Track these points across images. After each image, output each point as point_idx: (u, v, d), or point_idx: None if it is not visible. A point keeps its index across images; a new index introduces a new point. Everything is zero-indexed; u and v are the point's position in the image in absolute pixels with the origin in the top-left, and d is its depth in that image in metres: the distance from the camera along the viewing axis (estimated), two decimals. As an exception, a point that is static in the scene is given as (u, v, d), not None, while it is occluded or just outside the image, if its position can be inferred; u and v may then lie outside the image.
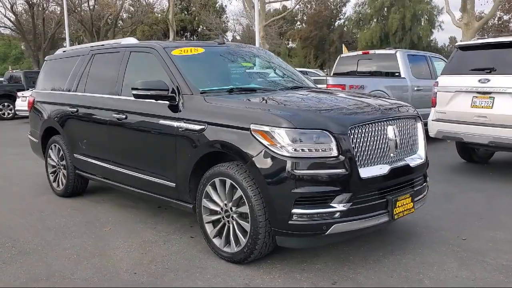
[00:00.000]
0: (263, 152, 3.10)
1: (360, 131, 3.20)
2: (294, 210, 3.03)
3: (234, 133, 3.29)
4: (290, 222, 3.04)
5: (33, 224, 4.50)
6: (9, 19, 32.95)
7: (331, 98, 3.90)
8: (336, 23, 59.89)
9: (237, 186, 3.27)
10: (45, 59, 6.13)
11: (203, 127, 3.51)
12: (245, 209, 3.25)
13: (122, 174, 4.41)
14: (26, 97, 14.97)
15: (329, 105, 3.61)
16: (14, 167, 7.56)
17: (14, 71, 19.09)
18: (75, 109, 4.99)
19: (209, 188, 3.51)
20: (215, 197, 3.48)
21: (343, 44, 19.54)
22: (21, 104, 15.36)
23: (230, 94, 3.88)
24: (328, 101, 3.78)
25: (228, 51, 4.55)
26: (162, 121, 3.86)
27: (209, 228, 3.57)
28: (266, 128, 3.11)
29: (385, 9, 54.55)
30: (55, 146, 5.50)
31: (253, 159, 3.14)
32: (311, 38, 53.59)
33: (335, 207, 3.04)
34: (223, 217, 3.45)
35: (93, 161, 4.82)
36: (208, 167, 3.59)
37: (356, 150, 3.15)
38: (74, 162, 5.20)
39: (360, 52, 9.52)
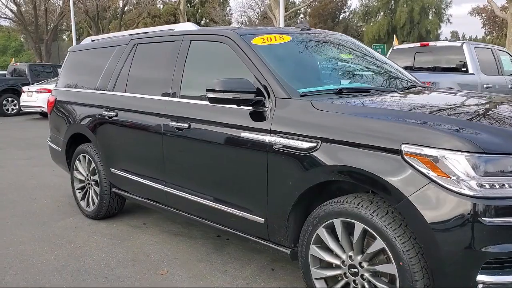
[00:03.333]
0: (426, 188, 2.09)
1: None
2: (481, 278, 2.03)
3: (372, 157, 2.28)
4: (471, 294, 2.05)
5: (65, 263, 3.49)
6: (10, 10, 31.77)
7: (484, 102, 2.90)
8: (341, 16, 58.78)
9: (375, 234, 2.26)
10: (68, 50, 5.10)
11: (313, 145, 2.50)
12: (388, 268, 2.24)
13: (181, 199, 3.40)
14: (32, 91, 13.99)
15: (502, 114, 2.60)
16: (28, 175, 6.54)
17: (18, 63, 18.00)
18: (114, 113, 3.97)
19: (322, 232, 2.51)
20: (333, 244, 2.48)
21: (394, 36, 18.36)
22: (27, 99, 14.35)
23: (341, 97, 2.87)
24: (489, 108, 2.77)
25: (319, 40, 3.52)
26: (245, 134, 2.85)
27: (320, 285, 2.57)
28: (433, 152, 2.10)
29: (393, 2, 53.52)
30: (84, 157, 4.49)
31: (409, 197, 2.13)
32: (315, 31, 52.59)
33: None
34: (345, 274, 2.44)
35: (138, 179, 3.81)
36: (318, 199, 2.60)
37: None
38: (110, 178, 4.19)
39: (417, 44, 8.47)
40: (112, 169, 4.11)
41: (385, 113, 2.47)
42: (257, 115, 2.82)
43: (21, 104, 14.76)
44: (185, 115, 3.29)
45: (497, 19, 48.27)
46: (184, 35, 3.56)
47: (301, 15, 50.37)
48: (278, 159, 2.68)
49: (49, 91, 14.00)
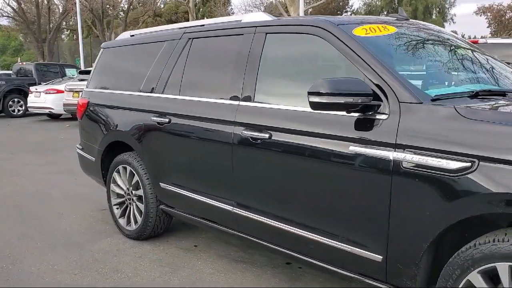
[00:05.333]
0: None
1: None
2: None
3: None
4: None
5: (116, 300, 2.92)
6: (12, 8, 31.09)
7: None
8: (343, 15, 58.31)
9: None
10: (102, 46, 4.51)
11: (467, 165, 1.91)
12: None
13: (257, 225, 2.82)
14: (40, 92, 13.41)
15: None
16: (47, 184, 5.95)
17: (24, 63, 17.38)
18: (166, 119, 3.38)
19: (477, 278, 1.92)
20: (494, 295, 1.90)
21: None
22: (34, 100, 13.77)
23: (481, 101, 2.28)
24: None
25: (425, 32, 2.94)
26: (355, 148, 2.27)
27: None
28: None
29: (396, 1, 53.02)
30: (124, 168, 3.90)
31: None
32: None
33: None
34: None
35: (197, 196, 3.23)
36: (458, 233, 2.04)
37: None
38: (158, 193, 3.61)
39: (466, 42, 7.89)
40: (162, 184, 3.53)
41: None
42: (370, 124, 2.25)
43: (28, 105, 14.16)
44: (263, 123, 2.71)
45: (503, 19, 47.72)
46: (256, 27, 2.98)
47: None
48: (408, 181, 2.09)
49: (59, 91, 13.43)
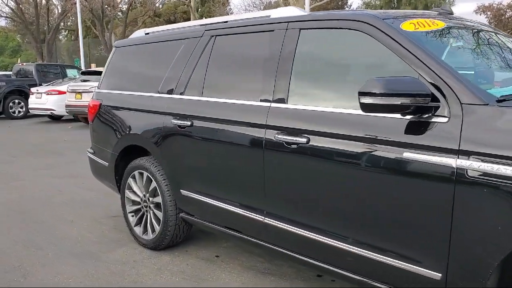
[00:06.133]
0: None
1: None
2: None
3: None
4: None
5: (139, 318, 2.70)
6: (10, 8, 30.78)
7: None
8: (343, 15, 58.04)
9: None
10: (114, 45, 4.29)
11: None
12: None
13: (292, 237, 2.60)
14: (41, 93, 13.18)
15: None
16: (53, 189, 5.72)
17: (24, 64, 17.11)
18: (188, 122, 3.16)
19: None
20: None
21: None
22: (36, 101, 13.52)
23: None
24: None
25: (472, 27, 2.72)
26: (409, 154, 2.06)
27: None
28: None
29: (395, 0, 52.91)
30: (141, 174, 3.68)
31: None
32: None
33: None
34: None
35: (222, 205, 3.01)
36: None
37: None
38: (179, 201, 3.39)
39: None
40: (182, 191, 3.31)
41: None
42: (427, 128, 2.03)
43: (29, 106, 13.90)
44: (300, 127, 2.49)
45: (502, 18, 47.67)
46: (288, 22, 2.76)
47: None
48: (474, 191, 1.88)
49: (60, 92, 13.18)
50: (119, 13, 33.42)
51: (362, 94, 2.03)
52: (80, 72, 14.50)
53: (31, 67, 16.18)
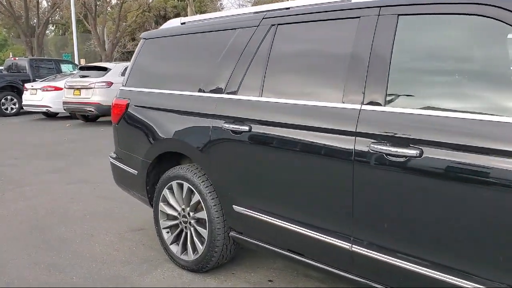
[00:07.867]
0: None
1: None
2: None
3: None
4: None
5: None
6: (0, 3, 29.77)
7: None
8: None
9: None
10: (142, 36, 3.77)
11: None
12: None
13: (392, 269, 2.13)
14: (36, 89, 12.56)
15: None
16: (66, 197, 5.19)
17: (16, 58, 16.40)
18: (245, 127, 2.68)
19: None
20: None
21: None
22: (30, 97, 12.92)
23: None
24: None
25: None
26: None
27: None
28: None
29: None
30: (180, 185, 3.19)
31: None
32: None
33: None
34: None
35: (292, 227, 2.53)
36: None
37: None
38: (230, 218, 2.91)
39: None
40: (236, 207, 2.83)
41: None
42: None
43: (23, 103, 13.27)
44: (410, 136, 2.02)
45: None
46: (381, 7, 2.28)
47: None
48: None
49: (57, 88, 12.56)
50: (109, 8, 32.58)
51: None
52: (78, 67, 13.87)
53: (24, 62, 15.48)
